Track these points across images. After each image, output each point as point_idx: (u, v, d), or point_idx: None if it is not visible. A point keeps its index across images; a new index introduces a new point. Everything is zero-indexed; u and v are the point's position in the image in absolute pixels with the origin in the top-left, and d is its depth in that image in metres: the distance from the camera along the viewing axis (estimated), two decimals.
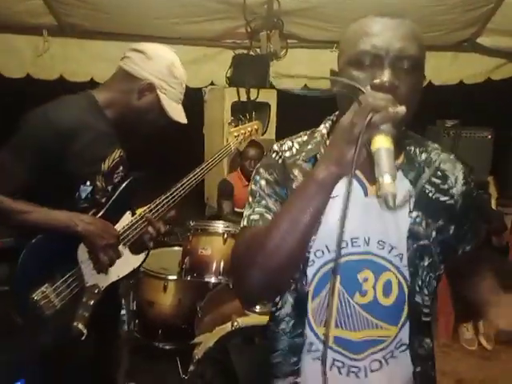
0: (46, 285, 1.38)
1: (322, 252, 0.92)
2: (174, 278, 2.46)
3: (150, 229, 1.55)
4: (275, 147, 0.99)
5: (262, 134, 3.42)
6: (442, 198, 0.95)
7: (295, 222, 0.79)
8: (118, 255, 1.48)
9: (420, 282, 0.94)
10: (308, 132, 1.01)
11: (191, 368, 2.09)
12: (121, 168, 1.54)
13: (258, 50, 3.40)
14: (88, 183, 1.45)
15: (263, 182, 0.96)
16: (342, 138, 0.76)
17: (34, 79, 3.28)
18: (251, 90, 3.26)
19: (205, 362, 2.02)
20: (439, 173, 0.97)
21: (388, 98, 0.74)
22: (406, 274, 0.93)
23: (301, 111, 3.45)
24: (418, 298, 0.95)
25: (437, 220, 0.94)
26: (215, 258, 2.28)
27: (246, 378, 1.92)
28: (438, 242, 0.94)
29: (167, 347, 2.51)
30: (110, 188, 1.52)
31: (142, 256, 1.62)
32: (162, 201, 1.59)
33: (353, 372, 0.94)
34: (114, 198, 1.51)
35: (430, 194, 0.94)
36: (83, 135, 1.41)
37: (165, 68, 1.51)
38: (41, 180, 1.39)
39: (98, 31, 3.25)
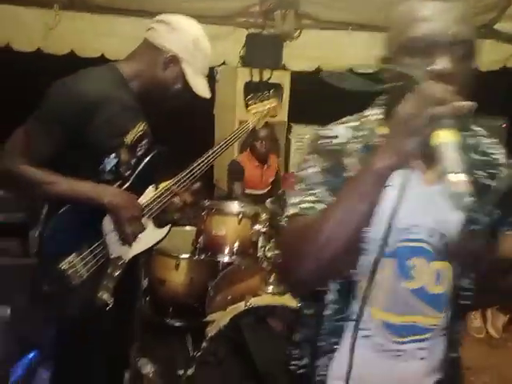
0: (74, 255, 1.39)
1: (376, 240, 0.89)
2: (187, 256, 2.47)
3: (177, 200, 1.56)
4: (322, 133, 0.95)
5: (274, 116, 3.44)
6: (490, 183, 0.95)
7: (350, 212, 0.78)
8: (142, 228, 1.49)
9: (467, 265, 0.95)
10: (354, 117, 0.98)
11: (204, 345, 2.12)
12: (144, 141, 1.53)
13: (271, 29, 3.36)
14: (112, 156, 1.44)
15: (312, 170, 0.92)
16: (399, 129, 0.73)
17: (45, 53, 3.24)
18: (265, 71, 3.23)
19: (218, 340, 2.05)
20: (486, 157, 0.96)
21: (450, 90, 0.71)
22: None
23: (313, 93, 3.43)
24: (463, 282, 0.96)
25: (486, 204, 0.94)
26: (229, 238, 2.29)
27: (259, 357, 1.95)
28: (487, 226, 0.94)
29: (177, 324, 2.54)
30: (133, 161, 1.51)
31: (164, 230, 1.63)
32: (186, 174, 1.59)
33: (396, 356, 0.96)
34: (138, 171, 1.51)
35: (480, 180, 0.93)
36: (107, 108, 1.40)
37: (190, 41, 1.49)
38: (66, 152, 1.39)
39: (109, 7, 3.20)
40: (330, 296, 0.96)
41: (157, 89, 1.52)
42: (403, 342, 0.95)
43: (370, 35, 3.31)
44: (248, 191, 3.08)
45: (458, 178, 0.68)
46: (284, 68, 3.44)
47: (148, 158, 1.53)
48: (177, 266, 2.48)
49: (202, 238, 2.31)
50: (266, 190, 3.17)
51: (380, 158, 0.75)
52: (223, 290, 2.31)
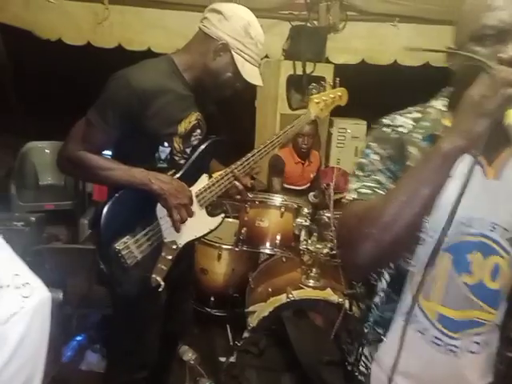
0: (128, 236, 1.46)
1: (434, 231, 0.90)
2: (229, 247, 2.51)
3: (237, 183, 1.60)
4: (386, 121, 0.97)
5: None
6: None
7: (415, 194, 0.78)
8: (190, 214, 1.53)
9: None
10: (418, 108, 0.98)
11: (245, 335, 2.16)
12: (198, 131, 1.57)
13: (315, 22, 3.33)
14: (166, 144, 1.49)
15: (376, 157, 0.93)
16: (471, 111, 0.74)
17: (94, 47, 3.34)
18: (308, 63, 3.21)
19: (259, 330, 2.08)
20: None
21: None
22: None
23: (356, 87, 3.37)
24: None
25: None
26: (271, 231, 2.30)
27: (300, 349, 1.96)
28: None
29: (218, 314, 2.58)
30: (188, 150, 1.56)
31: (218, 218, 1.68)
32: (246, 159, 1.62)
33: (451, 351, 0.95)
34: (192, 160, 1.56)
35: None
36: (161, 98, 1.45)
37: (240, 27, 1.48)
38: (124, 140, 1.46)
39: (157, 0, 3.26)
40: (382, 284, 0.97)
41: (208, 77, 1.53)
42: (458, 338, 0.94)
43: (414, 27, 3.23)
44: (287, 186, 3.08)
45: None
46: (327, 61, 3.41)
47: (202, 148, 1.57)
48: (219, 257, 2.52)
49: (244, 229, 2.34)
50: (305, 187, 3.16)
51: (449, 139, 0.76)
52: (264, 282, 2.33)
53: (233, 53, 1.48)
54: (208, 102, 1.64)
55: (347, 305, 1.95)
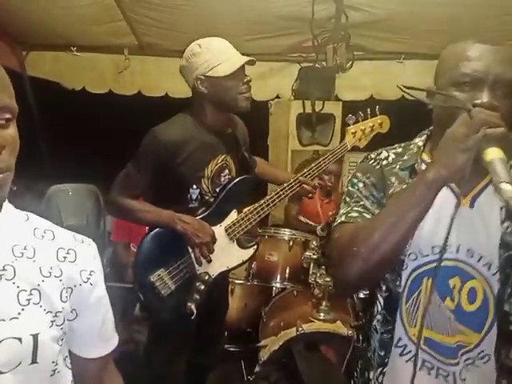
0: (162, 269, 1.64)
1: (416, 256, 0.97)
2: (241, 282, 2.56)
3: (306, 186, 1.78)
4: (372, 155, 1.08)
5: (327, 145, 3.49)
6: None
7: (402, 217, 0.86)
8: (211, 251, 1.66)
9: (509, 290, 0.95)
10: (402, 144, 1.08)
11: (256, 369, 2.17)
12: (226, 171, 1.74)
13: (323, 62, 3.46)
14: (195, 186, 1.67)
15: (361, 185, 1.03)
16: (453, 146, 0.83)
17: (115, 94, 3.57)
18: (317, 102, 3.32)
19: (270, 365, 2.09)
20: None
21: (498, 116, 0.81)
22: (494, 283, 0.96)
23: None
24: (506, 307, 0.96)
25: None
26: (281, 264, 2.35)
27: (310, 382, 1.96)
28: None
29: (232, 349, 2.60)
30: (217, 189, 1.72)
31: (250, 250, 1.80)
32: (287, 185, 1.78)
33: (441, 375, 0.98)
34: (220, 198, 1.72)
35: None
36: (186, 146, 1.64)
37: (191, 58, 1.65)
38: (159, 184, 1.67)
39: (174, 49, 3.47)
40: (378, 307, 1.02)
41: (221, 107, 1.69)
42: (448, 364, 0.97)
43: (420, 63, 3.32)
44: (302, 219, 3.10)
45: (508, 188, 0.76)
46: (336, 98, 3.51)
47: (229, 186, 1.73)
48: (232, 292, 2.56)
49: (254, 263, 2.39)
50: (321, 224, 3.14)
51: (434, 169, 0.85)
52: (276, 316, 2.36)
53: (206, 75, 1.63)
54: (237, 144, 1.81)
55: (356, 337, 1.95)
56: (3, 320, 0.73)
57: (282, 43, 3.38)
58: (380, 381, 1.03)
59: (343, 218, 1.00)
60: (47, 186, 3.55)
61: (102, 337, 0.90)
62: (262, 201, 1.74)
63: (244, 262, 1.82)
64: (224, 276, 1.81)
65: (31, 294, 0.76)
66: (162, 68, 3.51)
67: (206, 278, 1.70)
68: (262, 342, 2.23)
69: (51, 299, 0.78)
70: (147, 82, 3.59)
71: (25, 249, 0.78)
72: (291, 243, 2.33)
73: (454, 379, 0.97)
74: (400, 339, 0.99)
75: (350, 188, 1.05)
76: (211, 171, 1.70)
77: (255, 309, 2.56)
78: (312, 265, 2.27)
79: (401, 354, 0.99)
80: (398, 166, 1.02)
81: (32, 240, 0.80)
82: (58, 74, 3.57)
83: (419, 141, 1.05)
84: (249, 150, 1.88)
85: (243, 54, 3.51)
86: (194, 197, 1.69)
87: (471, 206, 0.97)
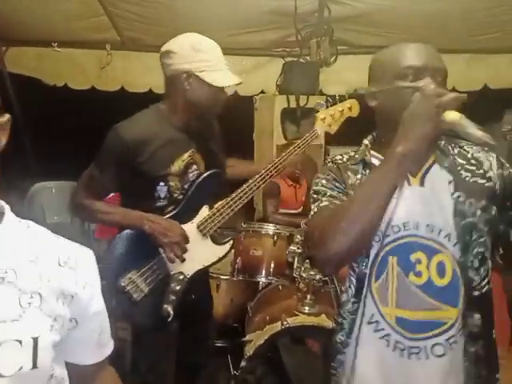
0: (133, 271, 1.58)
1: (379, 237, 1.02)
2: (227, 277, 2.56)
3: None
4: (328, 160, 1.18)
5: None
6: (480, 181, 1.05)
7: (376, 190, 0.94)
8: (184, 250, 1.62)
9: (471, 258, 1.01)
10: (354, 149, 1.17)
11: (242, 364, 2.17)
12: (194, 167, 1.68)
13: (307, 57, 3.46)
14: (162, 184, 1.61)
15: (324, 181, 1.11)
16: (416, 121, 0.92)
17: (98, 90, 3.53)
18: (301, 96, 3.32)
19: (255, 359, 2.09)
20: (473, 161, 1.08)
21: (445, 89, 0.92)
22: (456, 253, 1.01)
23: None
24: (470, 273, 1.01)
25: (479, 200, 1.02)
26: (266, 259, 2.35)
27: (296, 376, 1.97)
28: (485, 220, 1.02)
29: (219, 344, 2.60)
30: (186, 186, 1.67)
31: (226, 246, 1.76)
32: (249, 185, 1.72)
33: (413, 353, 1.00)
34: (189, 194, 1.67)
35: (467, 178, 1.04)
36: (150, 144, 1.58)
37: (188, 51, 1.56)
38: (125, 183, 1.61)
39: (156, 44, 3.43)
40: (349, 292, 1.07)
41: (194, 108, 1.63)
42: (419, 339, 1.00)
43: None
44: (282, 211, 3.12)
45: (479, 132, 0.87)
46: (321, 93, 3.52)
47: (198, 182, 1.67)
48: (217, 287, 2.56)
49: (239, 259, 2.39)
50: (300, 210, 3.20)
51: (401, 143, 0.93)
52: (261, 311, 2.36)
53: (197, 74, 1.57)
54: (205, 139, 1.74)
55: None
56: (4, 322, 0.73)
57: (266, 38, 3.37)
58: (352, 360, 1.05)
59: (316, 210, 1.07)
60: (30, 184, 3.51)
61: (98, 345, 0.90)
62: (234, 194, 1.68)
63: (220, 259, 1.75)
64: (203, 273, 1.76)
65: (32, 297, 0.76)
66: (145, 63, 3.47)
67: (181, 277, 1.64)
68: (248, 337, 2.23)
69: (51, 304, 0.78)
70: (130, 78, 3.55)
71: (27, 253, 0.79)
72: (275, 238, 2.34)
73: (427, 354, 1.00)
74: (373, 315, 1.03)
75: (314, 188, 1.12)
76: (178, 167, 1.63)
77: (241, 304, 2.56)
78: (296, 259, 2.28)
79: (374, 331, 1.02)
80: (350, 163, 1.13)
81: (34, 245, 0.81)
82: (39, 70, 3.52)
83: (366, 141, 1.16)
84: (218, 145, 1.83)
85: (228, 49, 3.49)
86: (163, 195, 1.63)
87: (421, 184, 1.05)
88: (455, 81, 3.29)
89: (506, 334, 3.05)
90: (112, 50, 3.44)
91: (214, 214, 1.68)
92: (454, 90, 3.19)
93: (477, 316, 1.02)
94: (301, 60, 3.48)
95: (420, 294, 1.00)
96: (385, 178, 0.94)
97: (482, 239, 1.02)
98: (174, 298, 1.60)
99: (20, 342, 0.73)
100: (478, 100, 3.37)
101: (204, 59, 1.57)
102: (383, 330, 1.02)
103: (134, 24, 3.20)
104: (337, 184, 1.10)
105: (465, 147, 1.10)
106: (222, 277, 2.57)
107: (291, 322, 2.10)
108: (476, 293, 1.02)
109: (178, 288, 1.61)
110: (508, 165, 1.08)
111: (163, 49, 1.64)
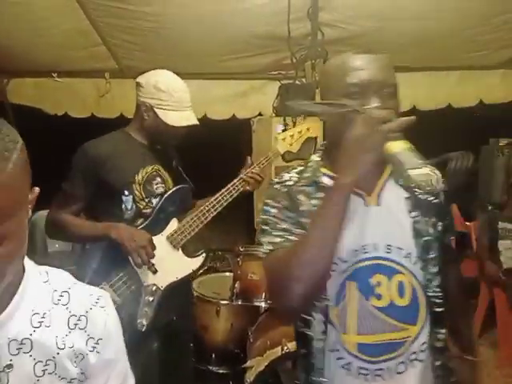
0: (104, 283, 1.62)
1: (336, 263, 0.99)
2: (226, 302, 2.54)
3: (251, 181, 1.85)
4: (276, 180, 1.12)
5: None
6: (430, 198, 1.05)
7: (326, 229, 0.90)
8: (150, 255, 1.66)
9: (430, 276, 1.01)
10: (302, 163, 1.13)
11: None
12: (158, 179, 1.78)
13: (303, 79, 3.50)
14: (126, 193, 1.70)
15: (274, 210, 1.05)
16: (356, 149, 0.88)
17: (97, 118, 3.57)
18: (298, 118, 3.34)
19: None
20: (423, 176, 1.02)
21: (389, 112, 0.90)
22: (418, 272, 1.00)
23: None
24: (430, 292, 1.01)
25: (431, 217, 1.03)
26: (264, 283, 2.33)
27: None
28: (435, 237, 1.03)
29: (220, 371, 2.57)
30: (154, 201, 1.76)
31: (200, 258, 1.81)
32: (219, 195, 1.82)
33: (378, 375, 0.99)
34: (158, 207, 1.75)
35: (420, 196, 1.04)
36: (114, 157, 1.71)
37: (152, 87, 1.76)
38: (93, 198, 1.71)
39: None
40: (314, 324, 1.03)
41: (152, 135, 1.80)
42: (381, 361, 0.98)
43: (398, 76, 3.36)
44: None
45: (421, 171, 0.83)
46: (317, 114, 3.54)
47: (166, 195, 1.75)
48: (217, 313, 2.54)
49: (238, 283, 2.38)
50: None
51: (344, 175, 0.89)
52: (262, 336, 2.33)
53: (155, 109, 1.76)
54: (170, 158, 1.89)
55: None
56: None
57: (261, 61, 3.41)
58: None
59: (270, 247, 1.00)
60: (32, 213, 3.53)
61: None
62: (202, 207, 1.77)
63: (194, 272, 1.82)
64: (186, 295, 1.84)
65: (47, 365, 0.79)
66: None
67: (154, 289, 1.67)
68: (249, 363, 2.21)
69: (65, 367, 0.80)
70: (129, 105, 3.57)
71: (43, 317, 0.81)
72: None
73: (390, 374, 0.99)
74: (334, 343, 1.00)
75: (263, 217, 1.06)
76: (142, 177, 1.74)
77: (242, 329, 2.54)
78: None
79: (337, 359, 1.00)
80: (302, 183, 1.07)
81: (49, 306, 0.82)
82: (39, 100, 3.58)
83: (316, 156, 1.11)
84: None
85: (224, 74, 3.54)
86: (129, 206, 1.71)
87: (378, 203, 1.02)
88: (450, 98, 3.32)
89: None
90: (111, 78, 3.49)
91: (184, 226, 1.76)
92: (449, 106, 3.21)
93: (442, 331, 1.03)
94: (297, 82, 3.51)
95: (382, 316, 0.98)
96: (332, 215, 0.90)
97: (436, 255, 1.02)
98: (147, 310, 1.62)
99: None
100: (473, 115, 3.40)
101: (164, 98, 1.74)
102: (343, 358, 1.00)
103: (132, 53, 3.26)
104: (288, 214, 1.03)
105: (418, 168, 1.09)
106: (221, 302, 2.55)
107: (291, 346, 2.07)
108: (439, 309, 1.01)
109: (151, 299, 1.64)
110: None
111: (136, 80, 1.86)
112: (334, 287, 0.99)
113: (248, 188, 1.85)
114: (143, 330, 1.63)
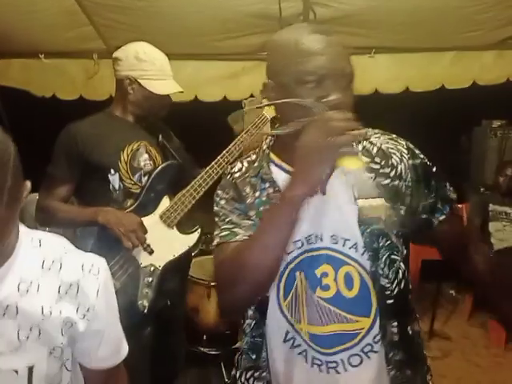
0: None
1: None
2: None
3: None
4: (228, 169, 1.08)
5: None
6: (384, 182, 0.97)
7: (274, 239, 0.87)
8: (141, 239, 1.63)
9: (382, 265, 0.96)
10: (256, 150, 1.08)
11: (233, 372, 2.15)
12: (145, 156, 1.75)
13: None
14: (113, 171, 1.67)
15: (223, 202, 1.02)
16: (310, 159, 0.82)
17: (86, 100, 3.52)
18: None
19: None
20: (379, 156, 0.99)
21: (349, 118, 0.80)
22: (365, 263, 0.96)
23: None
24: (382, 282, 0.96)
25: (395, 202, 0.96)
26: None
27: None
28: (391, 223, 0.95)
29: (212, 352, 2.58)
30: (140, 177, 1.73)
31: (195, 235, 1.79)
32: (210, 169, 1.79)
33: (331, 368, 0.97)
34: (147, 186, 1.72)
35: (383, 183, 0.97)
36: (98, 135, 1.68)
37: (132, 59, 1.73)
38: (80, 181, 1.68)
39: None
40: (249, 312, 1.03)
41: (138, 110, 1.76)
42: (334, 353, 0.96)
43: (391, 57, 3.34)
44: None
45: (369, 203, 0.78)
46: None
47: (155, 173, 1.72)
48: (208, 295, 2.54)
49: None
50: None
51: (293, 188, 0.84)
52: None
53: (139, 81, 1.72)
54: (157, 136, 1.84)
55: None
56: (2, 354, 0.77)
57: (253, 42, 3.35)
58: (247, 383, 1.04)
59: (218, 240, 0.99)
60: None
61: (100, 356, 0.92)
62: (193, 182, 1.75)
63: (191, 248, 1.79)
64: (181, 280, 1.80)
65: (31, 331, 0.79)
66: None
67: (152, 269, 1.65)
68: (238, 344, 2.21)
69: (50, 335, 0.81)
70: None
71: (30, 285, 0.81)
72: None
73: (344, 367, 0.97)
74: (288, 333, 0.99)
75: (215, 208, 1.04)
76: (127, 155, 1.71)
77: None
78: None
79: (291, 347, 0.98)
80: (248, 175, 1.03)
81: (38, 274, 0.82)
82: (26, 82, 3.51)
83: (264, 144, 1.06)
84: (177, 147, 1.91)
85: (214, 54, 3.48)
86: (116, 185, 1.68)
87: (323, 191, 0.96)
88: (443, 79, 3.29)
89: (502, 333, 3.03)
90: (99, 58, 3.42)
91: (176, 203, 1.73)
92: (442, 87, 3.16)
93: (394, 324, 0.98)
94: None
95: (329, 307, 0.96)
96: (279, 225, 0.86)
97: (389, 242, 0.96)
98: (147, 291, 1.61)
99: (16, 371, 0.77)
100: (466, 97, 3.37)
101: (145, 68, 1.71)
102: (300, 345, 0.98)
103: (120, 33, 3.18)
104: (236, 205, 1.00)
105: (372, 139, 1.01)
106: (212, 284, 2.55)
107: None
108: (390, 301, 0.97)
109: (150, 280, 1.63)
110: (418, 151, 1.02)
111: (113, 55, 1.81)
112: (283, 276, 0.98)
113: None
114: (145, 311, 1.62)
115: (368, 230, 0.94)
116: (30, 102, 3.52)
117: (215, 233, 1.01)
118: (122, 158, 1.70)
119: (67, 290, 0.83)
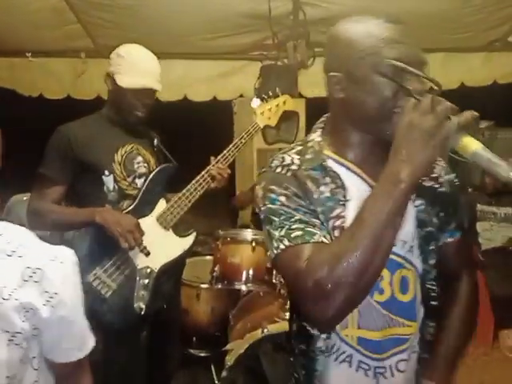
0: (97, 268, 1.59)
1: None
2: (207, 286, 2.52)
3: (218, 176, 1.80)
4: (276, 163, 0.95)
5: (292, 142, 3.48)
6: (435, 185, 0.98)
7: (384, 232, 0.76)
8: (138, 240, 1.61)
9: (429, 268, 0.96)
10: (299, 142, 1.00)
11: (223, 374, 2.14)
12: (139, 158, 1.74)
13: (285, 60, 3.44)
14: (107, 172, 1.65)
15: (283, 198, 0.88)
16: (424, 141, 0.74)
17: (74, 99, 3.47)
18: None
19: (236, 369, 2.06)
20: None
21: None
22: (419, 265, 0.95)
23: None
24: (428, 284, 0.97)
25: (434, 206, 0.96)
26: (244, 266, 2.32)
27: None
28: (437, 227, 0.97)
29: (202, 354, 2.57)
30: (134, 178, 1.72)
31: (191, 238, 1.78)
32: (202, 177, 1.81)
33: (379, 373, 0.95)
34: (144, 188, 1.71)
35: (424, 183, 0.96)
36: (90, 137, 1.66)
37: (114, 56, 1.76)
38: (73, 183, 1.65)
39: None
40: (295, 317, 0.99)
41: (116, 107, 1.76)
42: (384, 359, 0.95)
43: None
44: None
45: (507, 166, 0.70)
46: (300, 95, 3.50)
47: (151, 176, 1.71)
48: (198, 296, 2.53)
49: (217, 266, 2.36)
50: None
51: (407, 172, 0.74)
52: (243, 318, 2.33)
53: (114, 77, 1.73)
54: (149, 138, 1.84)
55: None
56: None
57: (243, 41, 3.34)
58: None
59: (287, 242, 0.84)
60: (8, 197, 3.44)
61: (67, 348, 0.91)
62: (189, 185, 1.75)
63: (186, 251, 1.79)
64: (175, 283, 1.80)
65: None
66: None
67: (149, 271, 1.64)
68: (229, 346, 2.20)
69: (10, 320, 0.78)
70: (106, 86, 3.50)
71: None
72: (254, 244, 2.30)
73: (392, 372, 0.95)
74: (334, 345, 0.94)
75: (270, 206, 0.89)
76: (121, 156, 1.70)
77: (223, 312, 2.54)
78: None
79: (335, 360, 0.95)
80: (305, 167, 0.92)
81: (0, 258, 0.81)
82: (13, 81, 3.45)
83: (316, 136, 0.97)
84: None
85: (204, 54, 3.45)
86: (111, 186, 1.66)
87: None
88: None
89: (489, 331, 3.06)
90: (87, 57, 3.38)
91: (172, 206, 1.73)
92: (430, 89, 3.19)
93: (432, 324, 0.99)
94: (278, 63, 3.46)
95: (382, 311, 0.93)
96: (392, 218, 0.75)
97: (435, 247, 0.97)
98: (143, 293, 1.60)
99: None
100: (454, 99, 3.39)
101: (120, 63, 1.71)
102: (344, 352, 0.94)
103: (108, 31, 3.15)
104: (301, 202, 0.88)
105: None
106: (201, 285, 2.53)
107: (271, 329, 2.07)
108: (434, 303, 0.98)
109: (146, 282, 1.62)
110: (454, 172, 1.03)
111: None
112: None
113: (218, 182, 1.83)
114: (142, 313, 1.61)
115: (423, 232, 0.93)
116: (16, 102, 3.46)
117: (278, 234, 0.85)
118: (115, 159, 1.69)
119: (31, 274, 0.82)
